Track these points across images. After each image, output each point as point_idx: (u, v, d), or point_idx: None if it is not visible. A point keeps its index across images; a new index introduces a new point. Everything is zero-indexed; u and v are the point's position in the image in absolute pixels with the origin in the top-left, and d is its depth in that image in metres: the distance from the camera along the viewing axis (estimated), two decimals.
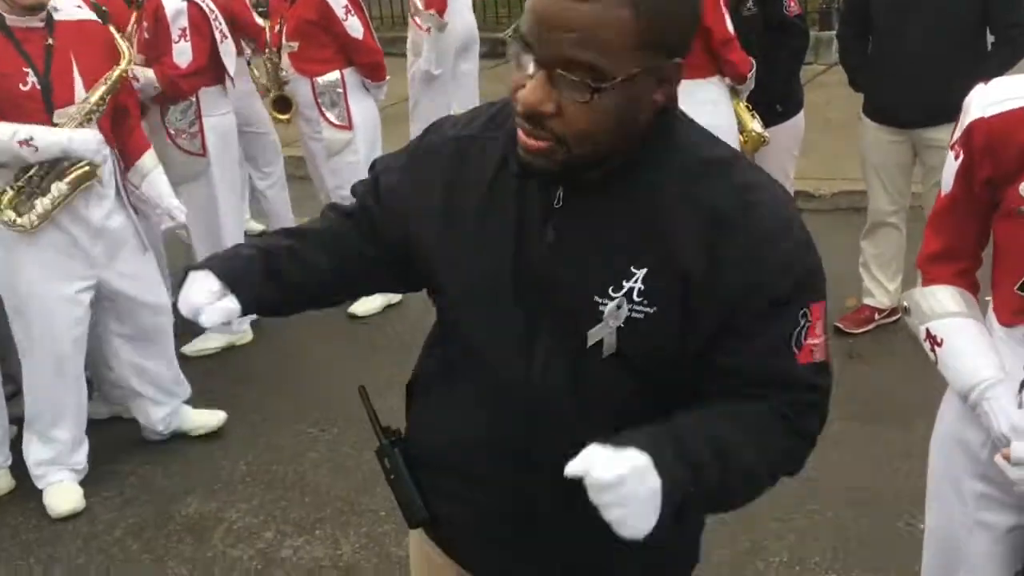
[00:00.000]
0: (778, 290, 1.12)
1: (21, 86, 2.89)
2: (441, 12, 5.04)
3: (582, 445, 1.09)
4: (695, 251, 1.11)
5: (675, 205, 1.13)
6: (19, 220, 2.91)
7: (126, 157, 3.22)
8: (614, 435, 1.10)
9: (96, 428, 3.34)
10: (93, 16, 3.06)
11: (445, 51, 5.21)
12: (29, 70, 2.89)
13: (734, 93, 3.66)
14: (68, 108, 2.94)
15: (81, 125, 2.92)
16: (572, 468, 1.05)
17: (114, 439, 3.45)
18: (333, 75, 4.18)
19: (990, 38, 3.42)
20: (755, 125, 3.67)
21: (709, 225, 1.11)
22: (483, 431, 1.27)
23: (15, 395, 3.44)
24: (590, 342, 1.15)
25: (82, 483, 3.19)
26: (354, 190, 1.43)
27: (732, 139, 3.65)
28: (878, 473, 3.05)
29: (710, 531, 2.76)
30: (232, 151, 4.11)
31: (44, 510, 3.09)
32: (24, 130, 2.82)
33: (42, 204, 2.90)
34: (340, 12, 4.05)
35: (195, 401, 3.54)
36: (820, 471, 3.09)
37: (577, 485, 1.07)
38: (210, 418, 3.51)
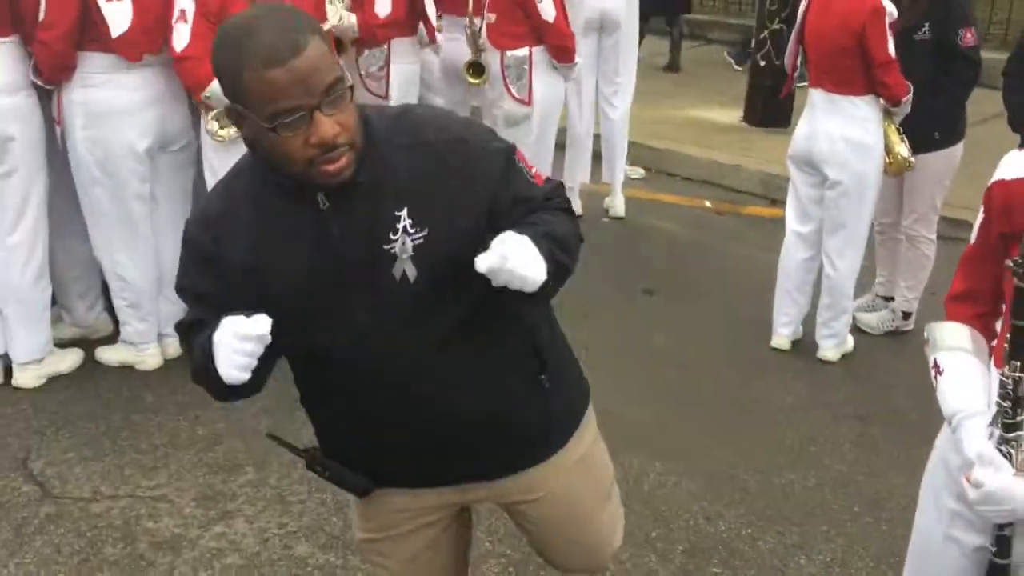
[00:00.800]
0: (498, 163, 1.58)
1: None
2: None
3: (443, 366, 1.59)
4: (429, 176, 1.53)
5: (395, 159, 1.53)
6: (219, 132, 3.41)
7: None
8: (470, 353, 1.61)
9: None
10: None
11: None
12: None
13: (888, 114, 3.71)
14: None
15: None
16: (478, 265, 1.42)
17: None
18: (522, 51, 4.44)
19: None
20: (902, 149, 3.70)
21: (424, 154, 1.53)
22: (370, 407, 1.64)
23: None
24: (397, 277, 1.53)
25: None
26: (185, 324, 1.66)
27: (877, 158, 3.71)
28: None
29: (762, 521, 2.97)
30: (412, 98, 4.51)
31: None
32: None
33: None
34: None
35: None
36: (883, 488, 3.21)
37: (458, 401, 1.62)
38: None
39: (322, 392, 1.70)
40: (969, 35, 3.77)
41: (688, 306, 4.56)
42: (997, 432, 1.61)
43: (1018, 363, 1.56)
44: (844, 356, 4.04)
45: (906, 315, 4.24)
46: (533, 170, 1.65)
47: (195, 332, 1.60)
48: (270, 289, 1.55)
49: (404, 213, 1.52)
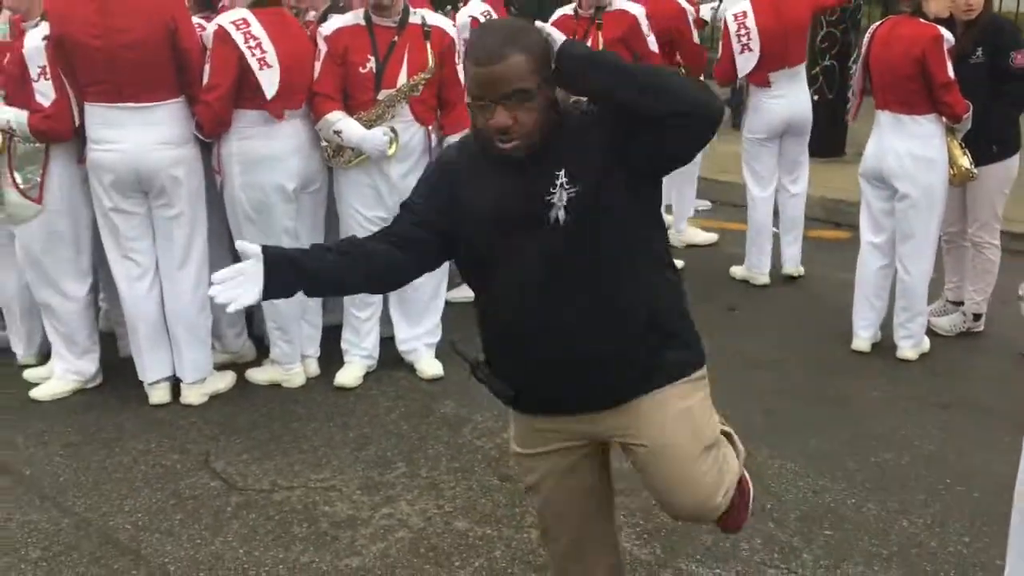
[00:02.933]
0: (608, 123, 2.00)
1: (361, 69, 3.89)
2: None
3: (576, 293, 2.02)
4: (585, 149, 2.00)
5: (569, 139, 2.02)
6: (332, 160, 4.02)
7: (442, 133, 4.14)
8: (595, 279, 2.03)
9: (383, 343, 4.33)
10: (446, 27, 4.02)
11: None
12: (372, 57, 3.88)
13: (951, 130, 4.10)
14: (389, 90, 3.90)
15: (388, 107, 3.89)
16: None
17: (389, 355, 4.37)
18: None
19: None
20: (964, 161, 4.09)
21: (585, 132, 2.02)
22: (521, 315, 2.06)
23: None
24: (551, 219, 1.99)
25: (367, 379, 4.19)
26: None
27: (941, 170, 4.10)
28: None
29: (864, 492, 3.30)
30: None
31: (342, 392, 4.09)
32: (339, 123, 3.86)
33: (346, 155, 3.97)
34: None
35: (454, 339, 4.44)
36: (971, 464, 3.55)
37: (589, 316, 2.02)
38: (434, 367, 4.24)
39: (488, 309, 2.15)
40: (1020, 57, 4.18)
41: (770, 319, 4.93)
42: None
43: None
44: (922, 356, 4.38)
45: (976, 317, 4.58)
46: None
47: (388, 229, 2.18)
48: (463, 223, 2.08)
49: (562, 172, 1.98)
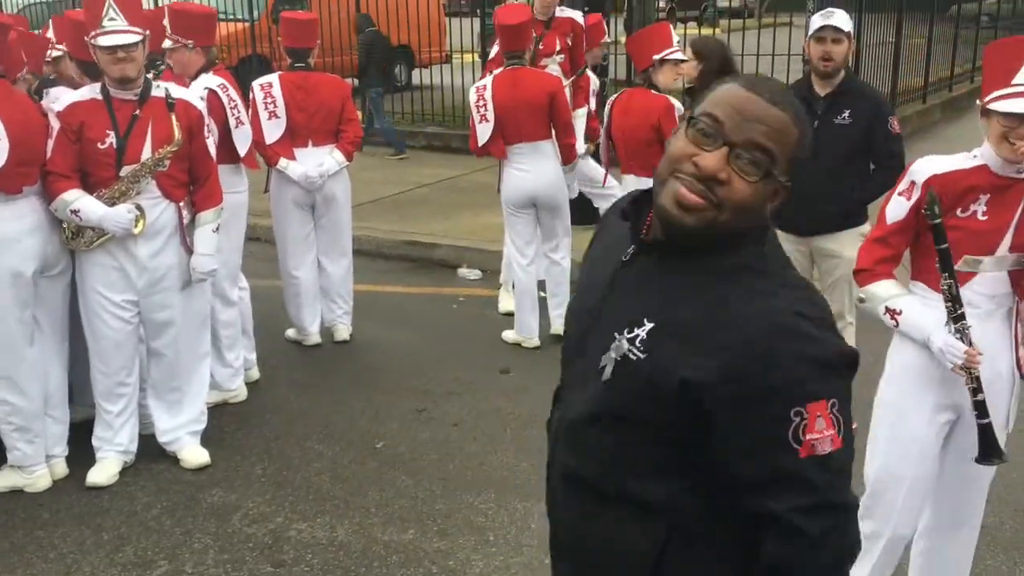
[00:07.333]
0: (757, 385, 1.28)
1: (100, 145, 3.69)
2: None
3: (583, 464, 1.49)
4: (697, 336, 1.34)
5: (706, 294, 1.36)
6: (71, 241, 3.78)
7: (194, 210, 3.97)
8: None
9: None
10: (192, 100, 3.88)
11: None
12: (111, 132, 3.70)
13: None
14: (133, 166, 3.73)
15: (132, 183, 3.72)
16: None
17: (148, 446, 4.09)
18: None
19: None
20: None
21: (718, 327, 1.33)
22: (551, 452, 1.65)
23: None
24: (600, 364, 1.44)
25: (124, 475, 3.89)
26: None
27: None
28: None
29: None
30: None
31: (95, 491, 3.76)
32: (77, 202, 3.66)
33: (87, 236, 3.75)
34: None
35: (221, 423, 4.21)
36: None
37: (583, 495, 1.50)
38: (199, 456, 4.02)
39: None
40: None
41: (542, 378, 5.04)
42: (952, 327, 2.41)
43: (947, 274, 2.37)
44: None
45: None
46: (825, 437, 1.29)
47: None
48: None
49: (648, 327, 1.40)
